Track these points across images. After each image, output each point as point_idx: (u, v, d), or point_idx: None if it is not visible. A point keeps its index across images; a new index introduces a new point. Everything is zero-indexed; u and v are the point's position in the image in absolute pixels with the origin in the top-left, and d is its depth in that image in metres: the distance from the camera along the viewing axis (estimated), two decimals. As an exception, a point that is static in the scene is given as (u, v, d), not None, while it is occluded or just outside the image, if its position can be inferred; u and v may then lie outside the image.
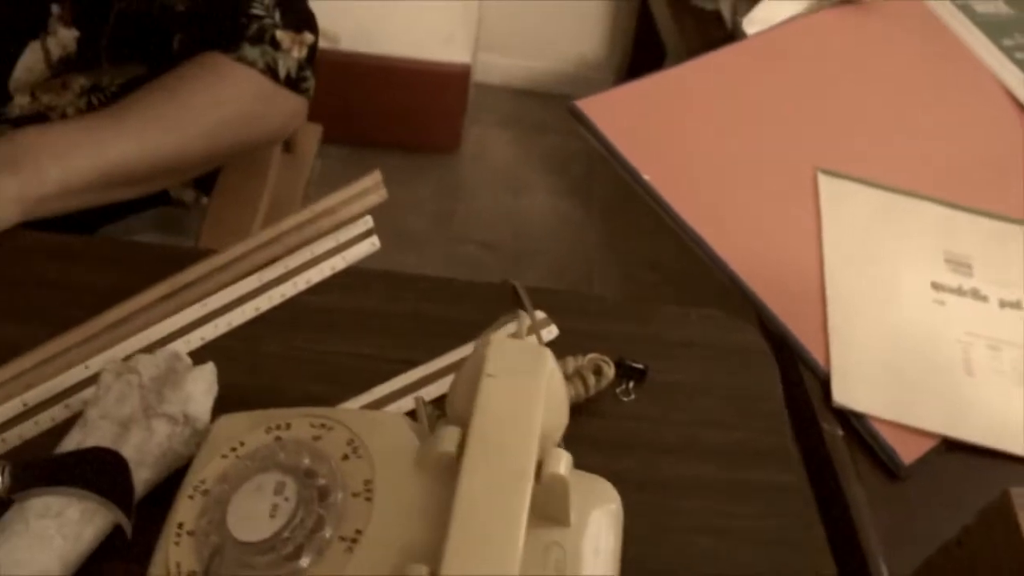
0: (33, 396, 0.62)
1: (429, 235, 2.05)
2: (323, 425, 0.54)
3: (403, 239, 1.96)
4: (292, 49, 0.88)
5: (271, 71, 0.86)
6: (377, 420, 0.56)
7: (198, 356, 0.65)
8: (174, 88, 0.83)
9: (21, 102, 0.93)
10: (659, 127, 1.22)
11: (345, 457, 0.52)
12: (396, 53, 2.00)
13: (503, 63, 2.31)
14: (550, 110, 2.33)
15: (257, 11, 0.86)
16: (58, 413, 0.63)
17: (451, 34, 2.01)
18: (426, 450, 0.51)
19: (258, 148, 0.91)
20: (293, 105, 0.90)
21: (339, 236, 0.73)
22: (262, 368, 0.67)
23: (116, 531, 0.55)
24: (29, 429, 0.62)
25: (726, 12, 1.54)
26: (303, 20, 0.90)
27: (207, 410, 0.59)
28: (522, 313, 0.70)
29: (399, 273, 0.74)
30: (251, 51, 0.85)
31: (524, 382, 0.52)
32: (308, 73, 0.90)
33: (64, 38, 0.88)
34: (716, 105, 1.25)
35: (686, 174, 1.14)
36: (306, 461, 0.52)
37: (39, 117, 0.95)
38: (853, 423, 0.78)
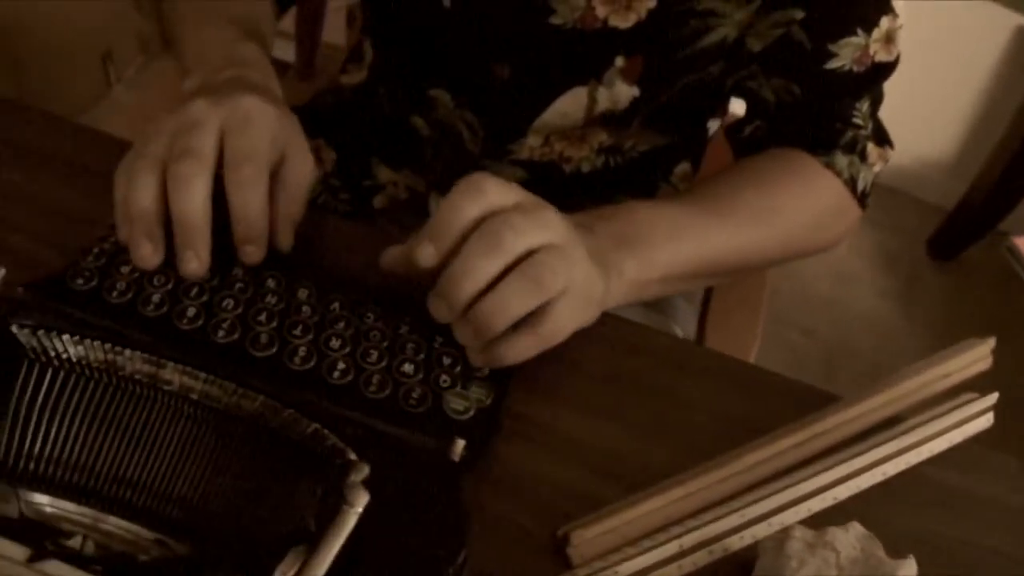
0: (690, 539, 0.58)
1: (751, 311, 1.98)
2: None
3: (724, 310, 1.89)
4: (876, 163, 0.83)
5: (852, 183, 0.81)
6: None
7: (824, 519, 0.60)
8: (765, 184, 0.78)
9: (533, 143, 0.90)
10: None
11: None
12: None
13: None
14: (887, 205, 2.23)
15: (857, 120, 0.81)
16: (700, 558, 0.58)
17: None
18: None
19: (807, 256, 0.86)
20: (855, 220, 0.85)
21: (966, 409, 0.67)
22: (901, 547, 0.61)
23: None
24: (672, 572, 0.57)
25: None
26: (885, 133, 0.85)
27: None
28: None
29: (1013, 461, 0.68)
30: (841, 159, 0.80)
31: None
32: (871, 188, 0.84)
33: (620, 93, 0.84)
34: None
35: None
36: None
37: (550, 165, 0.92)
38: None
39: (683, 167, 1.00)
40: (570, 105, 0.85)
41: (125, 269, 0.56)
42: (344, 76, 1.07)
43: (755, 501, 0.61)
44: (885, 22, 0.78)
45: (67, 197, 0.70)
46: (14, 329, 0.48)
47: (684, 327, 1.00)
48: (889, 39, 0.79)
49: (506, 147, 0.90)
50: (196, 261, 0.56)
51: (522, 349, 0.59)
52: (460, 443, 0.52)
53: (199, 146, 0.56)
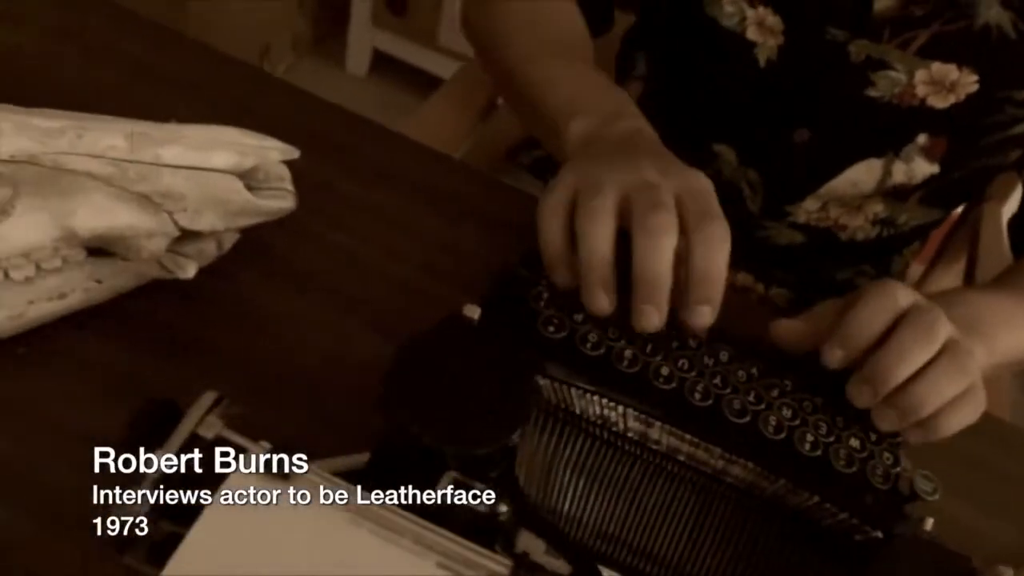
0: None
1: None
2: None
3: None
4: None
5: None
6: None
7: None
8: None
9: (810, 207, 0.92)
10: None
11: None
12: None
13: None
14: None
15: None
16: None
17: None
18: None
19: None
20: None
21: None
22: None
23: None
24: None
25: None
26: None
27: None
28: None
29: None
30: None
31: None
32: None
33: (917, 169, 0.86)
34: None
35: None
36: None
37: (826, 232, 0.94)
38: None
39: (916, 243, 1.03)
40: (862, 175, 0.87)
41: (579, 317, 0.56)
42: None
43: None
44: None
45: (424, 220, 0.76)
46: (541, 380, 0.50)
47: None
48: None
49: (784, 208, 0.93)
50: (657, 315, 0.55)
51: (918, 436, 0.61)
52: (930, 521, 0.53)
53: (669, 202, 0.56)
